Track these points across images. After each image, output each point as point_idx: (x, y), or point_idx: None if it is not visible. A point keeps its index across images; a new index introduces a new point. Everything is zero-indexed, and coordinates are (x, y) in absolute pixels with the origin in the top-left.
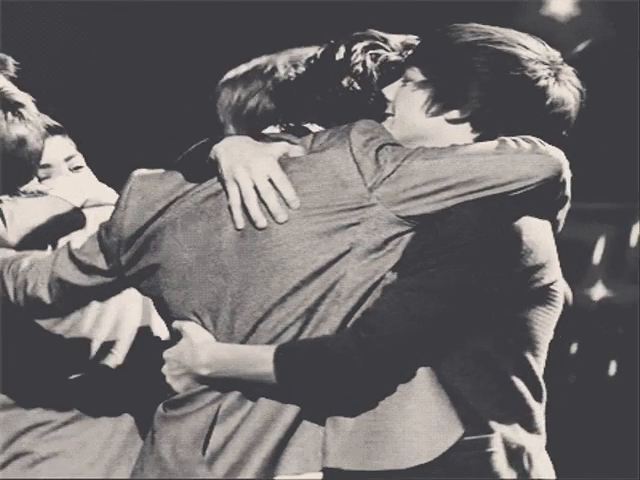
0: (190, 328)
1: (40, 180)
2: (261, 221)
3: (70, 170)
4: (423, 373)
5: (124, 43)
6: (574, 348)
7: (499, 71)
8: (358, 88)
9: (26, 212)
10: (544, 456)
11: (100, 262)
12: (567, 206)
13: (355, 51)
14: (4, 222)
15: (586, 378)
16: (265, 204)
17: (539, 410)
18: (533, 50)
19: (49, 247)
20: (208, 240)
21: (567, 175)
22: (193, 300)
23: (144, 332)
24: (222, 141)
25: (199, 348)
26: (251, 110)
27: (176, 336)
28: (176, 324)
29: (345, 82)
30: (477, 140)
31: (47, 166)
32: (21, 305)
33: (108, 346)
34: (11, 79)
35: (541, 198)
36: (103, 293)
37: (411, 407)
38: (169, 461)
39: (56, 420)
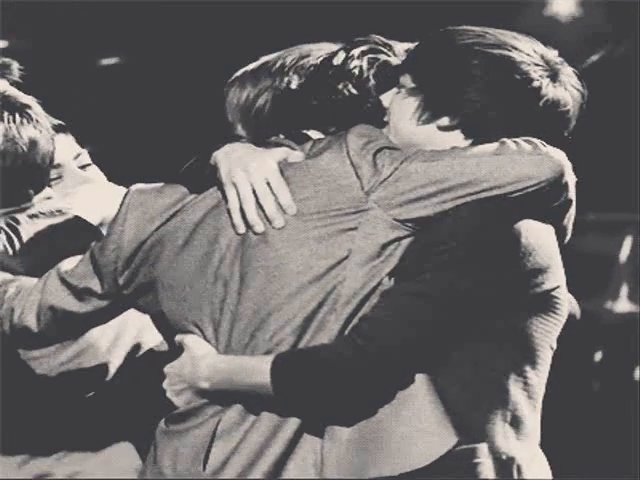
0: (191, 341)
1: (51, 181)
2: (258, 226)
3: (79, 168)
4: (419, 380)
5: (133, 44)
6: (598, 356)
7: (491, 74)
8: (354, 92)
9: (45, 234)
10: (537, 466)
11: (95, 284)
12: (572, 211)
13: (352, 56)
14: (21, 244)
15: (610, 385)
16: (262, 209)
17: (533, 419)
18: (526, 51)
19: None
20: (207, 250)
21: (570, 178)
22: (194, 312)
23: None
24: (222, 147)
25: (200, 361)
26: (259, 109)
27: (178, 350)
28: (178, 338)
29: (341, 86)
30: (471, 146)
31: (58, 166)
32: (7, 334)
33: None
34: (15, 84)
35: (542, 200)
36: (98, 318)
37: (406, 414)
38: (170, 476)
39: (73, 442)
